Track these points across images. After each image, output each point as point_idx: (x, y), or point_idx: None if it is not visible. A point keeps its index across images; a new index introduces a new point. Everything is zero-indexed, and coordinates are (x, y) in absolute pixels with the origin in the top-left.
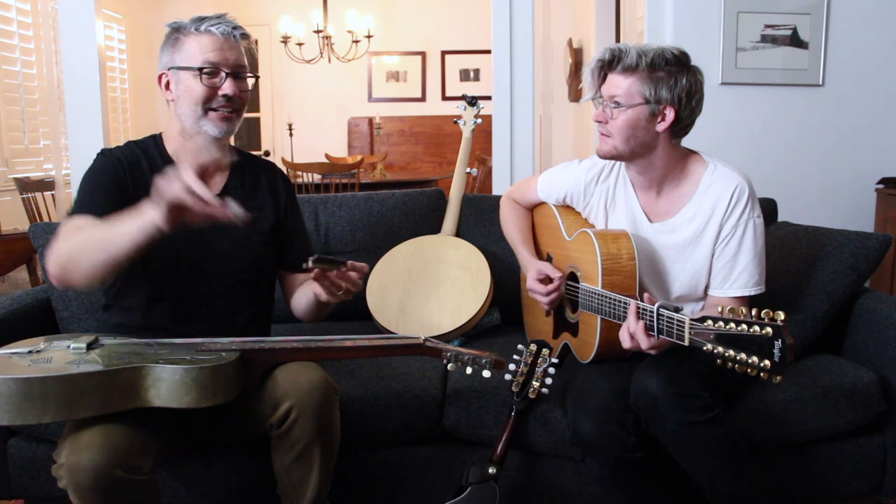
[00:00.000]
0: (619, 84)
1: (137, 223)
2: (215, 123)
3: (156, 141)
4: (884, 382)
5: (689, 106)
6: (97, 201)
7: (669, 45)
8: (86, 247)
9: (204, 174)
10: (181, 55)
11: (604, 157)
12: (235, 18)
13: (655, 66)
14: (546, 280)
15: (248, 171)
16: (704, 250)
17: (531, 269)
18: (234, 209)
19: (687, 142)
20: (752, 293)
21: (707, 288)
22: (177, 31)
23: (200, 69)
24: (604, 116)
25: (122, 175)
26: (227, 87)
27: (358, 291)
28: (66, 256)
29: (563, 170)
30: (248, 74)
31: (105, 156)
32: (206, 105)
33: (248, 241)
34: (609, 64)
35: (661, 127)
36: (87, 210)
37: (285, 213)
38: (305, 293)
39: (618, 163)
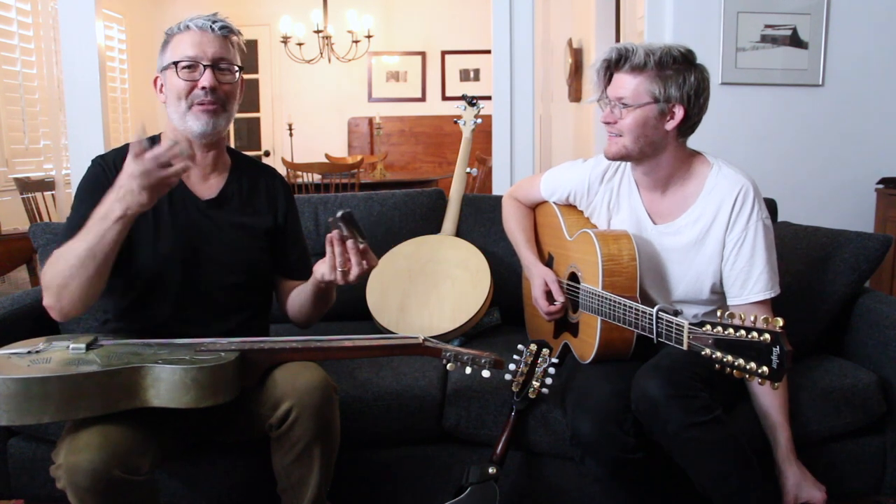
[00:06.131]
0: (625, 84)
1: (116, 226)
2: (198, 117)
3: (153, 142)
4: (884, 383)
5: (697, 104)
6: (81, 225)
7: (673, 43)
8: (72, 270)
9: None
10: (167, 55)
11: (613, 157)
12: (227, 17)
13: (664, 65)
14: (550, 298)
15: (246, 174)
16: (708, 252)
17: (536, 275)
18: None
19: (687, 142)
20: (772, 296)
21: (710, 291)
22: (168, 35)
23: (177, 63)
24: (612, 117)
25: (107, 185)
26: (206, 79)
27: (357, 282)
28: (57, 286)
29: (568, 168)
30: (226, 66)
31: (95, 165)
32: (189, 100)
33: (245, 244)
34: (616, 63)
35: (670, 125)
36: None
37: (284, 219)
38: (302, 290)
39: (623, 163)
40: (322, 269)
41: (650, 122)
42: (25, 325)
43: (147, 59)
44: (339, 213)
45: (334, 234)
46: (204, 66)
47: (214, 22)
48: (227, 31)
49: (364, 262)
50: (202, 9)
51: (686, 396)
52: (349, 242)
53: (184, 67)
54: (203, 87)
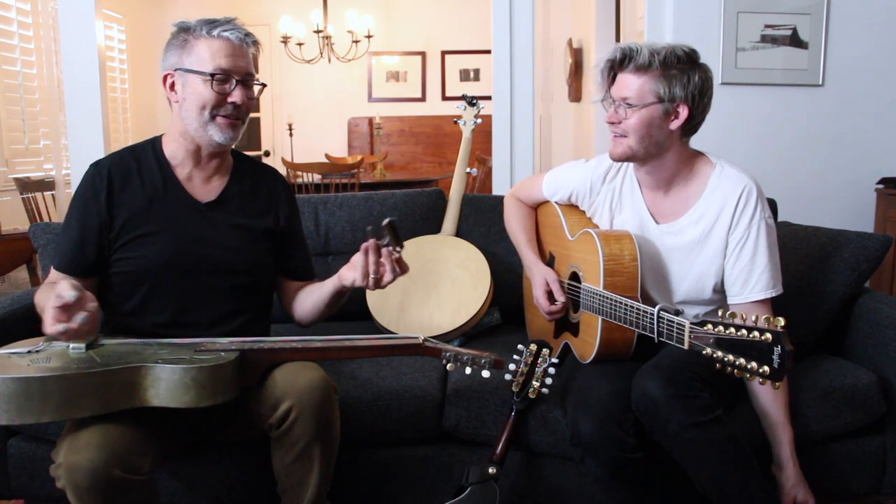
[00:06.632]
0: (630, 84)
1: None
2: (221, 130)
3: (154, 144)
4: (884, 383)
5: (701, 103)
6: (73, 238)
7: (677, 43)
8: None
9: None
10: (191, 58)
11: (618, 158)
12: (244, 23)
13: (668, 65)
14: (552, 298)
15: (248, 175)
16: (711, 252)
17: (537, 275)
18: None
19: (689, 142)
20: (773, 295)
21: (713, 290)
22: (185, 32)
23: (213, 75)
24: (617, 117)
25: (99, 192)
26: (237, 95)
27: (384, 287)
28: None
29: (570, 168)
30: (256, 82)
31: (88, 173)
32: (214, 111)
33: (245, 245)
34: (620, 63)
35: (674, 125)
36: (58, 256)
37: (287, 221)
38: (315, 291)
39: (625, 163)
40: (352, 276)
41: (655, 122)
42: (25, 325)
43: (147, 59)
44: (386, 221)
45: (371, 242)
46: (236, 80)
47: (247, 35)
48: (256, 46)
49: (397, 268)
50: (202, 9)
51: (687, 396)
52: (385, 250)
53: (217, 80)
54: (232, 103)
